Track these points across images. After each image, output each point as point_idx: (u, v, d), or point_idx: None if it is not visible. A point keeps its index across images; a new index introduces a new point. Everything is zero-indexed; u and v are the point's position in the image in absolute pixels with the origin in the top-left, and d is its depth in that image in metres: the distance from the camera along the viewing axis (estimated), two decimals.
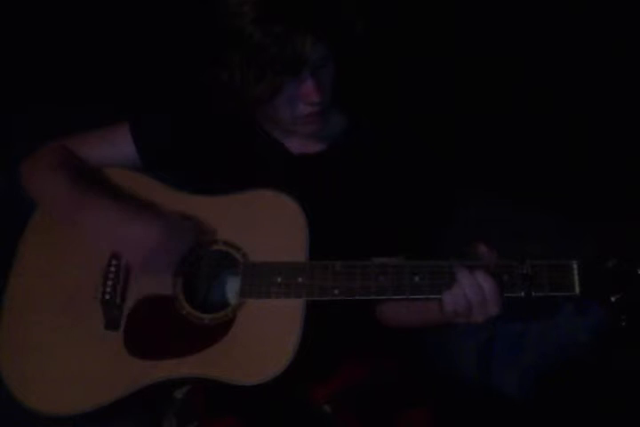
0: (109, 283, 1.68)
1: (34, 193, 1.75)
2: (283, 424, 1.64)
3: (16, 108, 2.26)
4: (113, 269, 1.68)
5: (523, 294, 1.45)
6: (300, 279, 1.54)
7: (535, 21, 2.19)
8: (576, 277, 1.43)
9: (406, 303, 1.69)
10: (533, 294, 1.45)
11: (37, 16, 2.30)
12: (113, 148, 1.80)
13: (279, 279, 1.56)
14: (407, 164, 1.76)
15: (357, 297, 1.52)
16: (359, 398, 1.67)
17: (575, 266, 1.43)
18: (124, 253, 1.63)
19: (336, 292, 1.53)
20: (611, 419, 1.91)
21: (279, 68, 1.53)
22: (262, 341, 1.55)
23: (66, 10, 2.27)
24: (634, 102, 2.17)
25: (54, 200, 1.71)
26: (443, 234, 1.78)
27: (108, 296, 1.67)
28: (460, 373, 2.01)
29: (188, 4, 1.78)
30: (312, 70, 1.56)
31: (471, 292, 1.45)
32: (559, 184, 2.19)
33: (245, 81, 1.58)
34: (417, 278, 1.50)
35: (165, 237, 1.59)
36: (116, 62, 2.32)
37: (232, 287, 1.68)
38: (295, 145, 1.77)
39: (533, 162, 2.20)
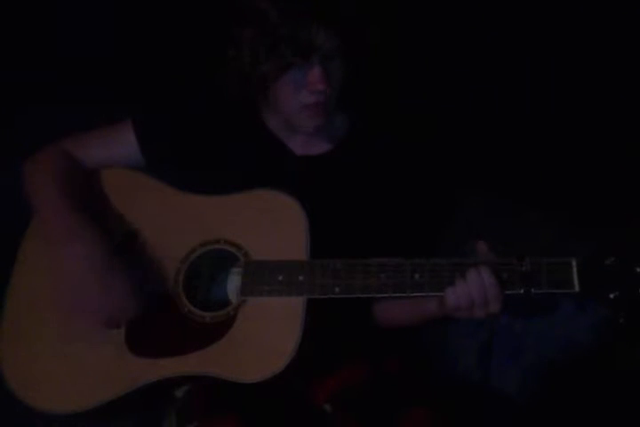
0: None
1: (29, 197, 1.76)
2: (283, 423, 1.64)
3: (18, 108, 2.27)
4: None
5: (522, 291, 1.46)
6: (300, 278, 1.55)
7: (535, 21, 2.19)
8: (575, 275, 1.43)
9: (403, 300, 1.70)
10: (533, 291, 1.45)
11: (37, 16, 2.30)
12: (116, 147, 1.81)
13: (280, 278, 1.56)
14: (408, 165, 1.76)
15: (358, 295, 1.53)
16: (359, 397, 1.67)
17: (574, 263, 1.44)
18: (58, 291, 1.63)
19: (337, 290, 1.53)
20: (611, 419, 1.91)
21: (289, 49, 1.55)
22: (263, 339, 1.55)
23: (65, 8, 2.27)
24: (633, 102, 2.17)
25: (45, 215, 1.70)
26: (443, 234, 1.79)
27: None
28: (460, 373, 2.01)
29: None
30: (321, 59, 1.58)
31: (476, 289, 1.46)
32: (559, 184, 2.19)
33: (254, 58, 1.59)
34: (417, 276, 1.50)
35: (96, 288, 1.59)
36: (116, 62, 2.32)
37: (233, 286, 1.69)
38: (298, 146, 1.77)
39: (533, 162, 2.21)
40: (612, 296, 1.39)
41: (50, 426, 1.69)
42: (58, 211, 1.66)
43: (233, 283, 1.69)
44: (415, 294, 1.51)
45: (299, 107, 1.64)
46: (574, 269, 1.44)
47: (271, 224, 1.61)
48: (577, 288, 1.43)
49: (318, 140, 1.76)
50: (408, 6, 2.13)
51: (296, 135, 1.76)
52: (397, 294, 1.51)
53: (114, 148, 1.81)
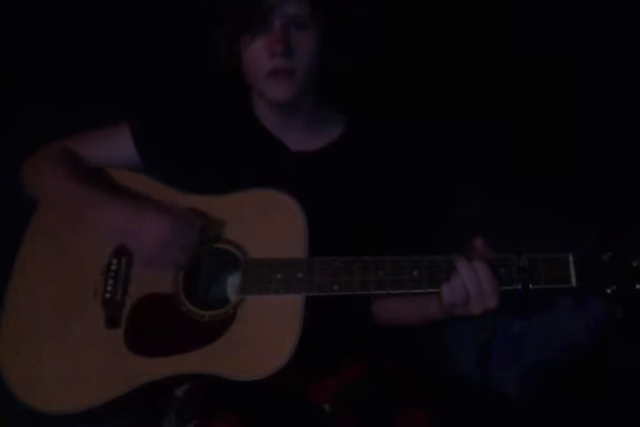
0: (110, 282, 1.69)
1: (37, 191, 1.77)
2: (282, 423, 1.63)
3: (17, 107, 2.27)
4: (114, 267, 1.70)
5: (520, 286, 1.46)
6: (299, 275, 1.55)
7: (535, 21, 2.20)
8: (572, 270, 1.44)
9: (404, 299, 1.70)
10: (530, 286, 1.46)
11: (37, 16, 2.31)
12: (113, 147, 1.82)
13: (279, 276, 1.57)
14: (406, 162, 1.77)
15: (357, 292, 1.53)
16: (359, 397, 1.66)
17: (571, 258, 1.45)
18: (134, 246, 1.64)
19: (335, 287, 1.54)
20: (611, 419, 1.91)
21: (250, 9, 1.58)
22: (262, 337, 1.55)
23: (64, 8, 2.28)
24: (633, 102, 2.17)
25: (61, 196, 1.72)
26: (442, 233, 1.79)
27: (108, 295, 1.68)
28: (460, 373, 2.01)
29: None
30: (285, 24, 1.60)
31: (469, 281, 1.46)
32: (558, 183, 2.19)
33: (222, 17, 1.64)
34: (416, 273, 1.51)
35: (174, 232, 1.60)
36: (116, 61, 2.33)
37: (232, 284, 1.69)
38: (294, 142, 1.78)
39: (533, 161, 2.21)
40: (609, 291, 1.39)
41: (49, 426, 1.68)
42: (68, 186, 1.69)
43: (232, 281, 1.70)
44: (414, 291, 1.51)
45: (263, 74, 1.65)
46: (571, 265, 1.44)
47: (269, 223, 1.62)
48: (574, 283, 1.44)
49: (314, 136, 1.77)
50: (408, 4, 2.14)
51: (291, 131, 1.77)
52: (396, 291, 1.52)
53: (111, 149, 1.82)
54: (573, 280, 1.43)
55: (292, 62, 1.62)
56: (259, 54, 1.63)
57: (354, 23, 1.64)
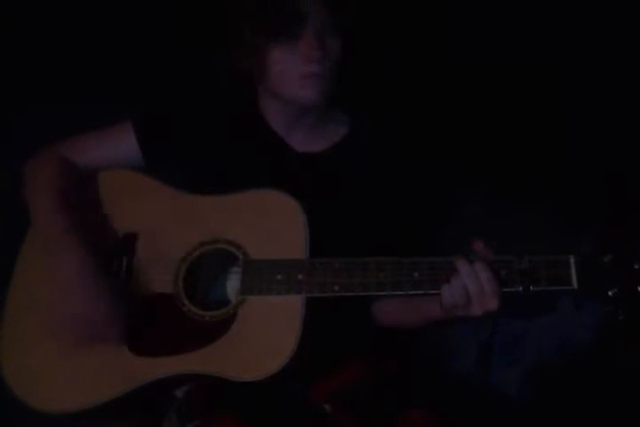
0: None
1: (25, 200, 1.76)
2: (283, 423, 1.64)
3: (17, 107, 2.27)
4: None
5: (521, 288, 1.46)
6: (299, 276, 1.55)
7: (535, 21, 2.20)
8: (573, 272, 1.43)
9: (405, 301, 1.70)
10: (531, 288, 1.45)
11: (38, 16, 2.30)
12: (115, 146, 1.81)
13: (279, 276, 1.56)
14: (408, 163, 1.76)
15: (357, 293, 1.53)
16: (359, 397, 1.67)
17: (572, 261, 1.44)
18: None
19: (336, 288, 1.53)
20: (611, 419, 1.91)
21: (278, 18, 1.58)
22: (262, 338, 1.55)
23: (65, 8, 2.28)
24: (634, 102, 2.17)
25: (35, 219, 1.72)
26: (442, 233, 1.79)
27: None
28: (460, 373, 2.01)
29: None
30: (315, 31, 1.60)
31: (469, 282, 1.46)
32: (558, 183, 2.19)
33: (247, 28, 1.62)
34: (416, 274, 1.50)
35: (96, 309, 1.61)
36: (116, 61, 2.33)
37: (233, 285, 1.69)
38: (298, 143, 1.78)
39: (533, 161, 2.21)
40: (610, 293, 1.39)
41: (49, 426, 1.68)
42: (50, 224, 1.68)
43: (232, 282, 1.70)
44: (414, 293, 1.51)
45: (295, 78, 1.64)
46: (572, 267, 1.44)
47: (270, 223, 1.62)
48: (575, 285, 1.43)
49: (318, 137, 1.77)
50: (410, 5, 2.15)
51: (296, 132, 1.77)
52: (396, 292, 1.51)
53: (113, 148, 1.82)
54: (574, 282, 1.43)
55: (324, 68, 1.63)
56: (291, 59, 1.63)
57: (368, 27, 1.64)
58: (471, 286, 1.46)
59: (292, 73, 1.64)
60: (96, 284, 1.61)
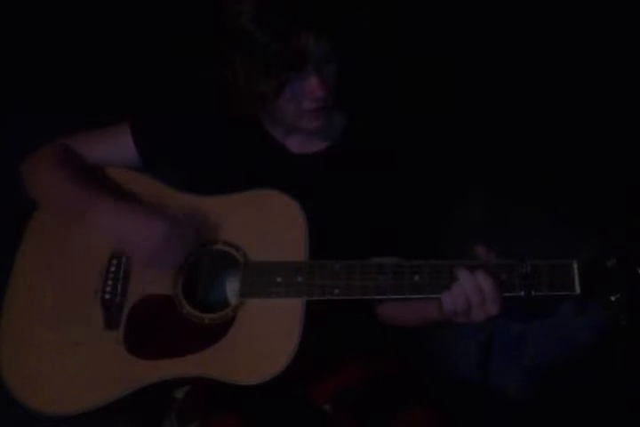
0: (109, 282, 1.68)
1: (36, 192, 1.76)
2: (283, 424, 1.64)
3: (16, 107, 2.27)
4: (113, 268, 1.69)
5: (522, 293, 1.45)
6: (299, 279, 1.55)
7: (535, 20, 2.19)
8: (576, 277, 1.43)
9: (405, 302, 1.70)
10: (533, 293, 1.45)
11: (38, 16, 2.30)
12: (113, 147, 1.81)
13: (279, 279, 1.56)
14: (406, 163, 1.76)
15: (357, 297, 1.53)
16: (359, 398, 1.67)
17: (575, 265, 1.43)
18: (132, 248, 1.64)
19: (336, 291, 1.53)
20: (611, 419, 1.91)
21: (282, 64, 1.52)
22: (262, 340, 1.55)
23: (66, 10, 2.27)
24: (634, 102, 2.17)
25: (59, 198, 1.72)
26: (442, 234, 1.78)
27: (107, 296, 1.67)
28: (460, 373, 2.01)
29: (190, 5, 1.78)
30: (316, 66, 1.55)
31: (471, 292, 1.45)
32: (559, 184, 2.19)
33: (249, 80, 1.57)
34: (417, 278, 1.50)
35: (171, 234, 1.59)
36: (117, 62, 2.33)
37: (232, 287, 1.69)
38: (295, 144, 1.77)
39: (533, 161, 2.21)
40: (613, 299, 1.38)
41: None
42: (67, 187, 1.69)
43: (232, 284, 1.69)
44: (415, 296, 1.50)
45: (300, 113, 1.62)
46: (575, 272, 1.43)
47: (270, 225, 1.61)
48: (578, 291, 1.43)
49: (315, 138, 1.76)
50: (408, 5, 2.14)
51: (293, 134, 1.76)
52: (397, 296, 1.51)
53: (111, 149, 1.81)
54: (577, 288, 1.42)
55: (327, 99, 1.60)
56: (294, 98, 1.59)
57: (363, 39, 1.62)
58: (473, 295, 1.45)
59: (296, 108, 1.61)
60: (153, 209, 1.64)
